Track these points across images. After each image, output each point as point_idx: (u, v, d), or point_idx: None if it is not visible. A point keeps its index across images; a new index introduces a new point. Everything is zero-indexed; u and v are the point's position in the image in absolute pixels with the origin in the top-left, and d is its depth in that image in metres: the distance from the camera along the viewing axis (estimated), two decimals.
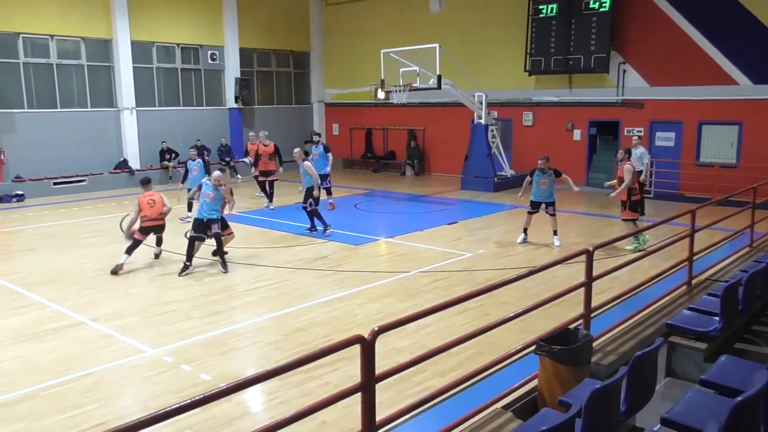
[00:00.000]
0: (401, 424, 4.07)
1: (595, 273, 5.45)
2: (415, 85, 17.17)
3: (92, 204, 16.89)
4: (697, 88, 16.23)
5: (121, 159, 20.02)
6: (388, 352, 6.36)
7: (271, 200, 15.62)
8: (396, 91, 17.38)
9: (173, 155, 20.55)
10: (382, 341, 4.08)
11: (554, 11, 18.24)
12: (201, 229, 10.05)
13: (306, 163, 12.34)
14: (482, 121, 18.59)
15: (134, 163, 20.17)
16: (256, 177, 16.65)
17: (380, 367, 3.54)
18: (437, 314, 4.46)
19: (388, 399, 5.26)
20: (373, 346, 3.40)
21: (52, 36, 18.48)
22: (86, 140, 19.29)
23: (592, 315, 5.58)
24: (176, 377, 6.20)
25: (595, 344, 5.20)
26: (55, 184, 18.42)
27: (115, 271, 9.89)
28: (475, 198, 17.27)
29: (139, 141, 20.33)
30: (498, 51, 19.92)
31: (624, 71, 17.63)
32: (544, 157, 11.54)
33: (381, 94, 18.25)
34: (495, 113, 19.54)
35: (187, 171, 13.95)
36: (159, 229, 10.57)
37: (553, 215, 11.50)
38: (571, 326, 5.05)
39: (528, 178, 11.63)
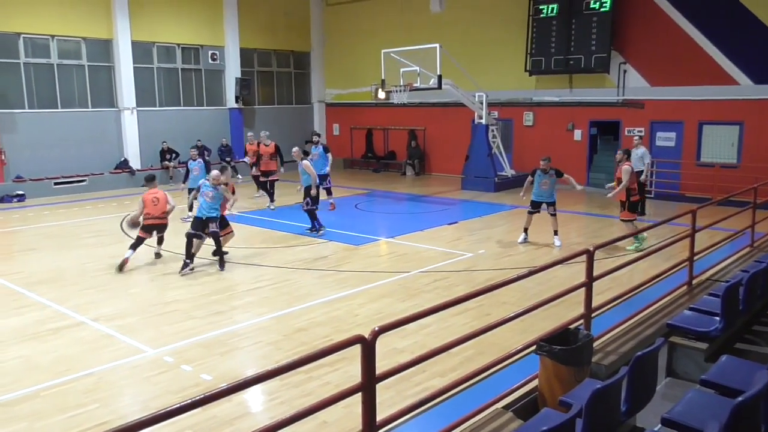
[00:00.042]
0: (402, 424, 4.07)
1: (595, 273, 5.45)
2: (415, 85, 17.17)
3: (93, 204, 16.90)
4: (698, 88, 16.22)
5: (122, 159, 20.03)
6: (388, 352, 6.36)
7: (272, 200, 15.64)
8: (396, 91, 17.38)
9: (174, 155, 20.55)
10: (383, 341, 4.08)
11: (555, 11, 18.23)
12: (199, 227, 10.07)
13: (304, 162, 12.36)
14: (483, 121, 18.59)
15: (135, 163, 20.19)
16: (256, 177, 16.72)
17: (381, 367, 3.54)
18: (437, 314, 4.46)
19: (389, 399, 5.26)
20: (373, 346, 3.40)
21: (52, 36, 18.49)
22: (87, 140, 19.30)
23: (593, 315, 5.58)
24: (177, 377, 6.20)
25: (595, 344, 5.19)
26: (55, 184, 18.43)
27: (121, 267, 9.99)
28: (476, 198, 17.27)
29: (139, 141, 20.34)
30: (498, 51, 19.92)
31: (624, 71, 17.63)
32: (545, 157, 11.55)
33: (381, 94, 18.24)
34: (495, 113, 19.54)
35: (188, 171, 13.99)
36: (161, 228, 10.61)
37: (554, 215, 11.50)
38: (572, 326, 5.05)
39: (529, 178, 11.63)
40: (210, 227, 10.06)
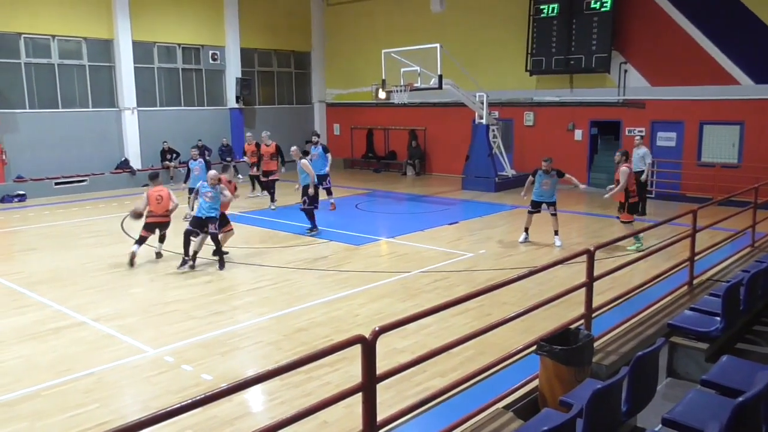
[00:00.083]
0: (402, 424, 4.07)
1: (596, 273, 5.44)
2: (416, 85, 17.17)
3: (93, 204, 16.90)
4: (699, 88, 16.21)
5: (123, 159, 20.04)
6: (388, 353, 6.36)
7: (273, 200, 15.65)
8: (397, 91, 17.38)
9: (174, 155, 20.55)
10: (383, 341, 4.08)
11: (555, 11, 18.23)
12: (198, 225, 10.09)
13: (302, 161, 12.40)
14: (483, 121, 18.58)
15: (135, 163, 20.19)
16: (256, 176, 16.80)
17: (381, 367, 3.53)
18: (438, 314, 4.46)
19: (389, 399, 5.26)
20: (373, 346, 3.40)
21: (53, 36, 18.50)
22: (87, 140, 19.31)
23: (593, 315, 5.58)
24: (177, 377, 6.20)
25: (596, 344, 5.19)
26: (56, 184, 18.44)
27: (131, 262, 10.16)
28: (476, 198, 17.27)
29: (140, 141, 20.35)
30: (499, 51, 19.91)
31: (625, 71, 17.62)
32: (547, 158, 11.55)
33: (382, 94, 18.24)
34: (496, 113, 19.53)
35: (188, 171, 14.01)
36: (164, 226, 10.65)
37: (555, 215, 11.50)
38: (572, 326, 5.05)
39: (530, 178, 11.63)
40: (209, 228, 10.06)
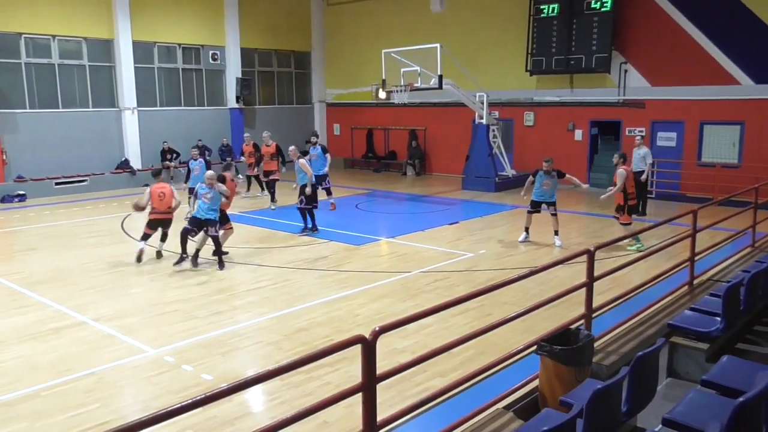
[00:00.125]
0: (402, 425, 4.07)
1: (596, 273, 5.44)
2: (416, 85, 17.17)
3: (93, 204, 16.91)
4: (699, 88, 16.21)
5: (123, 159, 20.04)
6: (389, 353, 6.36)
7: (273, 200, 15.66)
8: (397, 91, 17.38)
9: (174, 155, 20.55)
10: (383, 341, 4.08)
11: (555, 11, 18.23)
12: (196, 225, 10.10)
13: (301, 160, 12.44)
14: (483, 121, 18.58)
15: (135, 163, 20.19)
16: (255, 177, 16.81)
17: (381, 368, 3.53)
18: (438, 314, 4.46)
19: (389, 399, 5.26)
20: (374, 347, 3.40)
21: (53, 36, 18.50)
22: (88, 140, 19.31)
23: (594, 315, 5.58)
24: (177, 377, 6.20)
25: (596, 344, 5.19)
26: (56, 184, 18.44)
27: (139, 258, 10.26)
28: (476, 198, 17.27)
29: (140, 141, 20.34)
30: (499, 51, 19.91)
31: (625, 71, 17.62)
32: (548, 158, 11.55)
33: (382, 94, 18.24)
34: (496, 113, 19.52)
35: (189, 171, 14.02)
36: (167, 224, 10.67)
37: (555, 215, 11.50)
38: (573, 326, 5.04)
39: (530, 178, 11.63)
40: (210, 231, 10.06)
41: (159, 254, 10.72)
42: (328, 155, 14.78)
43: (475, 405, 4.36)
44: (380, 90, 18.16)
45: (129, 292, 9.08)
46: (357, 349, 3.38)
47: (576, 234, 12.58)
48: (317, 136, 15.73)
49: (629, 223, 10.96)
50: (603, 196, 11.13)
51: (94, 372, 6.30)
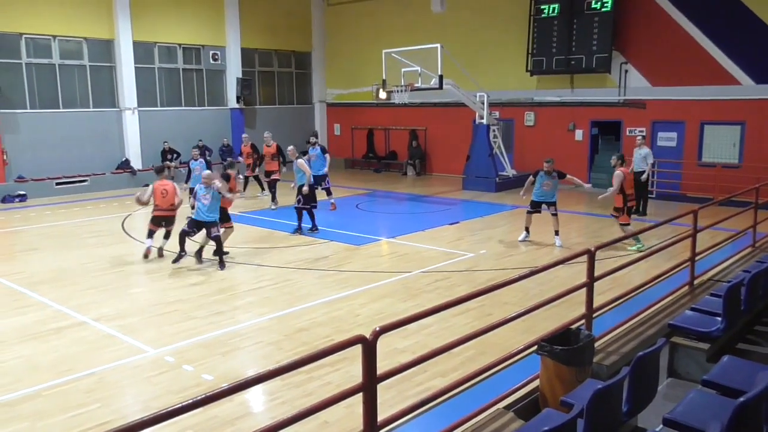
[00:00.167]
0: (403, 425, 4.07)
1: (596, 273, 5.44)
2: (416, 85, 17.17)
3: (94, 204, 16.91)
4: (699, 88, 16.21)
5: (123, 159, 20.05)
6: (389, 353, 6.36)
7: (274, 200, 15.67)
8: (398, 91, 17.38)
9: (175, 155, 20.55)
10: (384, 341, 4.08)
11: (556, 11, 18.22)
12: (194, 226, 10.10)
13: (299, 160, 12.47)
14: (484, 121, 18.58)
15: (136, 164, 20.20)
16: (255, 177, 16.82)
17: (382, 368, 3.53)
18: (439, 314, 4.46)
19: (390, 399, 5.26)
20: (374, 347, 3.40)
21: (54, 36, 18.51)
22: (88, 140, 19.32)
23: (594, 315, 5.58)
24: (178, 377, 6.20)
25: (596, 344, 5.19)
26: (57, 184, 18.45)
27: (146, 255, 10.33)
28: (477, 198, 17.27)
29: (141, 141, 20.35)
30: (500, 51, 19.91)
31: (626, 71, 17.61)
32: (549, 159, 11.55)
33: (383, 94, 18.24)
34: (497, 113, 19.53)
35: (189, 171, 14.04)
36: (170, 221, 10.68)
37: (555, 215, 11.50)
38: (573, 326, 5.04)
39: (531, 178, 11.63)
40: (211, 232, 10.06)
41: (161, 254, 10.72)
42: (327, 156, 14.83)
43: (475, 405, 4.36)
44: (381, 90, 18.15)
45: (130, 292, 9.09)
46: (357, 349, 3.38)
47: (576, 234, 12.58)
48: (317, 137, 15.75)
49: (628, 224, 10.97)
50: (601, 197, 11.15)
51: (95, 372, 6.30)
